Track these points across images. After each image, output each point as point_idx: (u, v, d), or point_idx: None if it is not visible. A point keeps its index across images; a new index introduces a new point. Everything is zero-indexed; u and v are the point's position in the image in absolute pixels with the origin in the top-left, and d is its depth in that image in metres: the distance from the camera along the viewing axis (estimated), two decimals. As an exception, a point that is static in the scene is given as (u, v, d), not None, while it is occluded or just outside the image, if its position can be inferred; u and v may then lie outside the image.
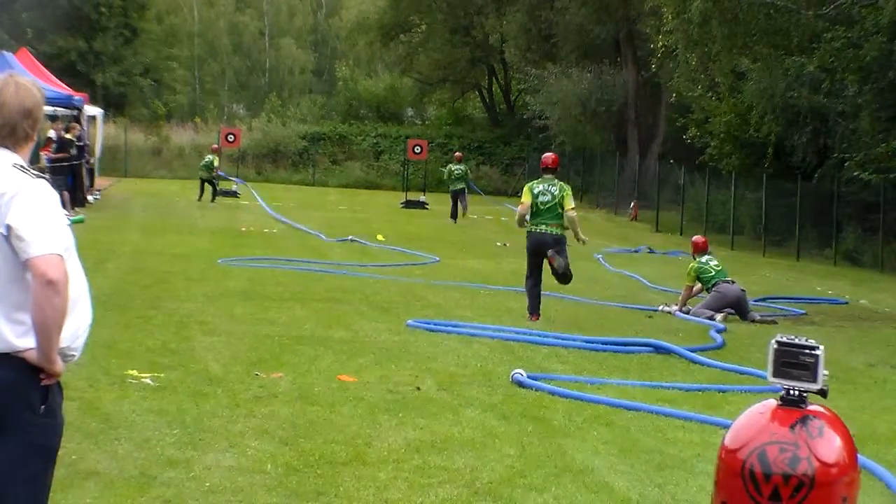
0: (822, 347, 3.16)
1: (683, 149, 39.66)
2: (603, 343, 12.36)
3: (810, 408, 3.14)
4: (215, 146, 38.06)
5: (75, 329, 4.07)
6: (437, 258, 21.06)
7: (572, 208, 14.11)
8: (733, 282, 15.98)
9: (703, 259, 16.16)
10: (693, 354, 11.78)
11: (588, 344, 12.21)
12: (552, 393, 9.38)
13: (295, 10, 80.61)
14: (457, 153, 38.12)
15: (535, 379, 9.77)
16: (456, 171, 33.79)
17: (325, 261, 19.73)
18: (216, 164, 35.44)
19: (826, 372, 3.18)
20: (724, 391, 10.02)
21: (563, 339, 12.42)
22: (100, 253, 18.51)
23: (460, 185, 33.60)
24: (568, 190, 14.21)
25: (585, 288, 16.98)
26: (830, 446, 3.05)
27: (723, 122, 34.15)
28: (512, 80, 59.29)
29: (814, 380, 3.14)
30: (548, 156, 14.71)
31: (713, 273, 15.93)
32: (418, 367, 10.30)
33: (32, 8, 53.06)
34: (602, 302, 16.41)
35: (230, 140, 41.54)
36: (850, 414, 8.50)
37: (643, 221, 37.34)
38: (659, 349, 12.03)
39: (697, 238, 16.95)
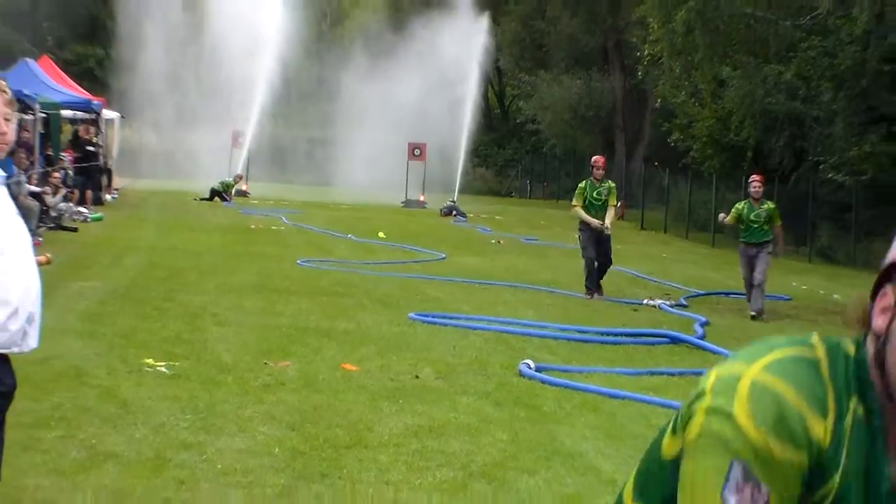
0: None
1: (667, 152, 39.72)
2: (619, 335, 12.44)
3: None
4: (239, 174, 38.34)
5: None
6: (443, 255, 21.08)
7: (613, 205, 16.50)
8: (749, 243, 15.55)
9: (744, 206, 15.73)
10: (704, 343, 11.93)
11: (604, 337, 12.29)
12: (543, 382, 9.40)
13: (300, 20, 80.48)
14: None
15: (540, 370, 9.78)
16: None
17: (360, 261, 19.76)
18: (233, 187, 35.95)
19: None
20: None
21: (580, 331, 12.53)
22: (118, 249, 18.53)
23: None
24: (612, 188, 16.58)
25: (575, 282, 16.97)
26: None
27: (705, 127, 34.18)
28: (506, 87, 59.30)
29: None
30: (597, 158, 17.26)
31: (742, 227, 15.63)
32: (417, 357, 10.31)
33: (53, 17, 53.00)
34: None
35: (240, 142, 41.67)
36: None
37: (629, 220, 37.35)
38: (674, 340, 12.11)
39: (753, 176, 16.46)
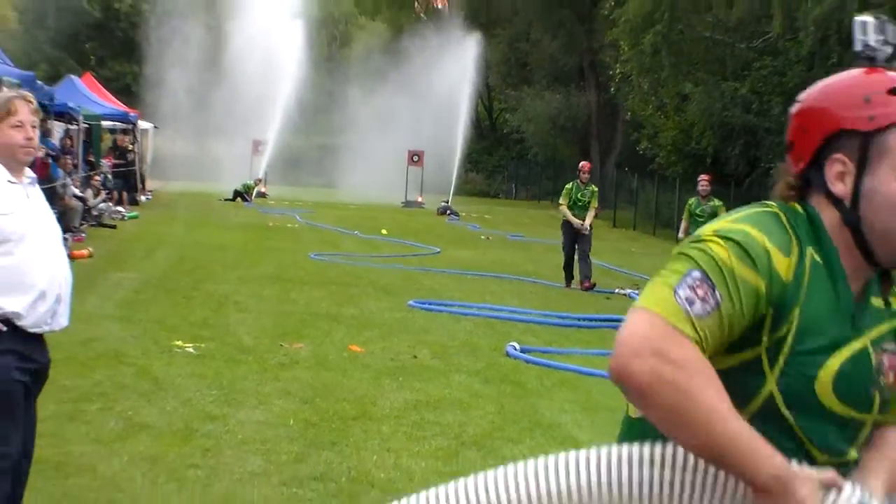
0: None
1: (636, 158, 39.68)
2: (594, 320, 12.39)
3: None
4: (259, 178, 38.56)
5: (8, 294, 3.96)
6: (439, 249, 21.03)
7: (594, 207, 16.31)
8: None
9: (693, 201, 15.75)
10: None
11: (580, 322, 12.25)
12: (527, 361, 9.39)
13: (313, 42, 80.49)
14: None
15: (525, 352, 9.77)
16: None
17: (377, 253, 19.73)
18: (254, 189, 35.86)
19: None
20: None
21: (560, 316, 12.49)
22: (150, 244, 18.50)
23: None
24: (595, 192, 16.44)
25: (555, 274, 16.95)
26: None
27: (669, 137, 34.16)
28: (494, 101, 59.22)
29: None
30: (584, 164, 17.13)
31: (692, 221, 15.45)
32: (415, 339, 10.30)
33: (94, 39, 52.99)
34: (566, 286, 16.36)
35: (259, 149, 41.71)
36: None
37: (602, 219, 37.31)
38: None
39: (702, 176, 16.33)
